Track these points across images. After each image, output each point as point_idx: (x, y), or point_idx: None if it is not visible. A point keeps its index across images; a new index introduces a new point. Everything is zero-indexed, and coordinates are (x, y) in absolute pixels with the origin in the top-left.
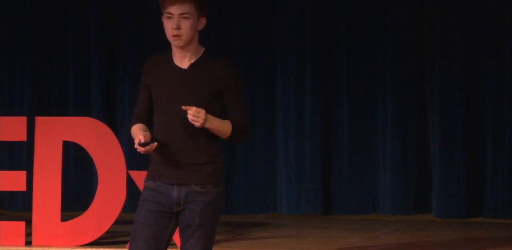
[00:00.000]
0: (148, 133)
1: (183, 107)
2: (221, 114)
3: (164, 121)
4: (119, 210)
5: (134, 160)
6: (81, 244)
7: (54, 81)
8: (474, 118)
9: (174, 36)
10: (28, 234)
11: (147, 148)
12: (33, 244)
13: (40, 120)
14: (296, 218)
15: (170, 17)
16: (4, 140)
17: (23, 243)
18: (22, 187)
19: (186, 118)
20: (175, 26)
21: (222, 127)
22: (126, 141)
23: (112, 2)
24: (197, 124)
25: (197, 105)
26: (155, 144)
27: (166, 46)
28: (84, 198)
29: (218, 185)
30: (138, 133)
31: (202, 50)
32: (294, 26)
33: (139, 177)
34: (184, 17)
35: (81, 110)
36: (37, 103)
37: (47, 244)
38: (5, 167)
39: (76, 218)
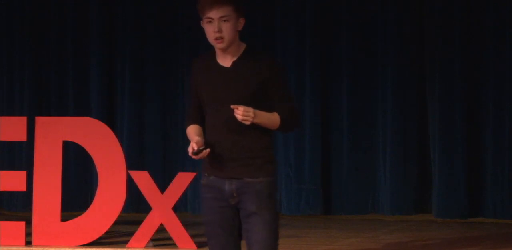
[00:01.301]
0: (199, 138)
1: (231, 106)
2: (268, 106)
3: (214, 119)
4: (119, 210)
5: (134, 160)
6: (81, 244)
7: (54, 81)
8: (474, 118)
9: (216, 39)
10: (28, 234)
11: (200, 155)
12: (33, 244)
13: (40, 120)
14: (296, 218)
15: (210, 22)
16: (4, 140)
17: (23, 243)
18: (22, 187)
19: (234, 115)
20: (216, 30)
21: (270, 119)
22: (126, 141)
23: (112, 2)
24: (247, 122)
25: (243, 101)
26: (208, 150)
27: (164, 47)
28: (84, 198)
29: (270, 176)
30: (192, 138)
31: (243, 47)
32: (293, 25)
33: (139, 177)
34: (224, 20)
35: (81, 110)
36: (37, 103)
37: (47, 244)
38: (5, 167)
39: (76, 218)
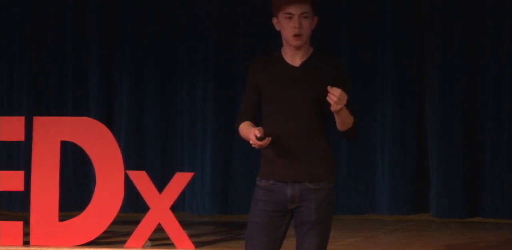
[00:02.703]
0: (261, 127)
1: (328, 88)
2: (329, 110)
3: (278, 119)
4: (117, 210)
5: (132, 159)
6: (79, 244)
7: (52, 81)
8: (472, 118)
9: (295, 36)
10: (26, 234)
11: (265, 141)
12: (31, 244)
13: (38, 120)
14: None
15: (290, 17)
16: (3, 139)
17: (21, 243)
18: (20, 187)
19: (300, 115)
20: (297, 26)
21: (349, 116)
22: (124, 141)
23: (112, 2)
24: (338, 107)
25: (309, 101)
26: (270, 138)
27: (164, 48)
28: (82, 198)
29: (332, 182)
30: (251, 129)
31: (311, 49)
32: None
33: (137, 177)
34: (304, 17)
35: (79, 110)
36: (36, 103)
37: (45, 244)
38: (3, 167)
39: (74, 218)
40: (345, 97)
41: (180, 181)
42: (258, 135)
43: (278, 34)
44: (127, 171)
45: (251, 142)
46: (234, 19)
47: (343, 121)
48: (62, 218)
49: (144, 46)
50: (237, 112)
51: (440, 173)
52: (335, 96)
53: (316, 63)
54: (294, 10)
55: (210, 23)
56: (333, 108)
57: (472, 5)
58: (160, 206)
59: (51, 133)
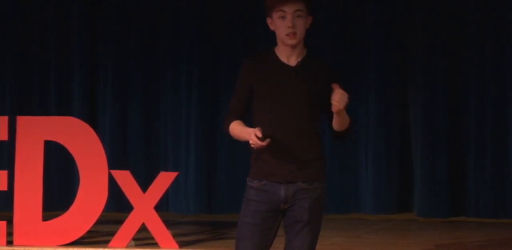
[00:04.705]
0: (259, 128)
1: (332, 85)
2: (323, 112)
3: (273, 118)
4: (101, 209)
5: (115, 159)
6: (62, 243)
7: (35, 80)
8: (456, 118)
9: (288, 34)
10: (10, 233)
11: (266, 142)
12: (14, 244)
13: (21, 120)
14: None
15: (283, 16)
16: None
17: (4, 242)
18: (3, 187)
19: (295, 115)
20: (290, 24)
21: (348, 117)
22: (108, 140)
23: (94, 1)
24: (340, 106)
25: (305, 101)
26: (269, 140)
27: (149, 46)
28: (66, 198)
29: (324, 181)
30: (245, 129)
31: (305, 49)
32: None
33: (121, 177)
34: (298, 15)
35: (63, 110)
36: (19, 103)
37: (29, 244)
38: None
39: (57, 218)
40: (346, 98)
41: (164, 180)
42: (260, 135)
43: (264, 34)
44: (111, 171)
45: (251, 142)
46: (219, 19)
47: (342, 122)
48: (45, 218)
49: (128, 45)
50: (221, 112)
51: (424, 173)
52: (338, 96)
53: (311, 64)
54: (288, 8)
55: (194, 23)
56: (335, 108)
57: (455, 3)
58: (144, 205)
59: (34, 133)
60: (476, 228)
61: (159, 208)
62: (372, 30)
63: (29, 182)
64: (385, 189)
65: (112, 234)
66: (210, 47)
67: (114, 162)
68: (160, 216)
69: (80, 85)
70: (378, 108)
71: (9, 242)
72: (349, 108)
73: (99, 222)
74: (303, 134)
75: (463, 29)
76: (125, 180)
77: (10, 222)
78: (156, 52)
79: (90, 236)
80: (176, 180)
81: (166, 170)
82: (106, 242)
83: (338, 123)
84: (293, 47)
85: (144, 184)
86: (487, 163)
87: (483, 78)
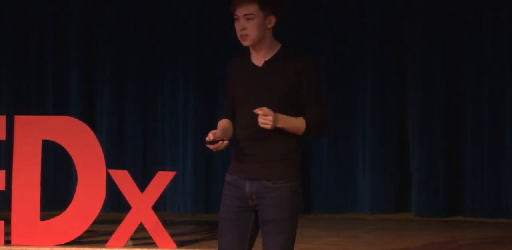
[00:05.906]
0: (219, 130)
1: (254, 111)
2: (299, 110)
3: (242, 118)
4: (99, 209)
5: (113, 159)
6: (60, 243)
7: (33, 80)
8: (453, 117)
9: (241, 36)
10: (7, 233)
11: (215, 145)
12: (12, 244)
13: (19, 120)
14: None
15: (237, 19)
16: None
17: (2, 242)
18: (1, 186)
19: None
20: (240, 28)
21: (294, 124)
22: (106, 140)
23: (92, 1)
24: (267, 127)
25: (271, 102)
26: (225, 142)
27: (146, 46)
28: (64, 197)
29: (292, 181)
30: (219, 129)
31: (278, 46)
32: None
33: (119, 176)
34: (248, 18)
35: (61, 109)
36: (16, 103)
37: (26, 244)
38: None
39: (55, 218)
40: (269, 116)
41: (162, 180)
42: (209, 139)
43: None
44: (108, 170)
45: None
46: (215, 19)
47: (290, 130)
48: (43, 217)
49: (125, 45)
50: (218, 112)
51: (421, 172)
52: (259, 119)
53: (279, 62)
54: (238, 12)
55: (193, 23)
56: (267, 128)
57: (455, 3)
58: (141, 205)
59: (32, 132)
60: (473, 228)
61: (156, 207)
62: (372, 30)
63: (27, 181)
64: (382, 188)
65: (110, 233)
66: (208, 48)
67: (112, 162)
68: (158, 216)
69: (78, 85)
70: (376, 108)
71: (7, 242)
72: (321, 104)
73: (97, 221)
74: (269, 134)
75: (463, 29)
76: (123, 179)
77: (8, 222)
78: (154, 52)
79: (88, 236)
80: (173, 180)
81: (164, 170)
82: (104, 242)
83: (290, 131)
84: (253, 47)
85: (142, 183)
86: (484, 163)
87: (481, 79)
